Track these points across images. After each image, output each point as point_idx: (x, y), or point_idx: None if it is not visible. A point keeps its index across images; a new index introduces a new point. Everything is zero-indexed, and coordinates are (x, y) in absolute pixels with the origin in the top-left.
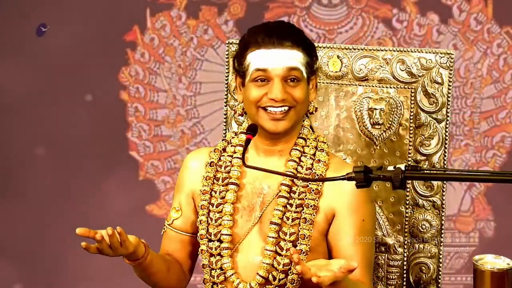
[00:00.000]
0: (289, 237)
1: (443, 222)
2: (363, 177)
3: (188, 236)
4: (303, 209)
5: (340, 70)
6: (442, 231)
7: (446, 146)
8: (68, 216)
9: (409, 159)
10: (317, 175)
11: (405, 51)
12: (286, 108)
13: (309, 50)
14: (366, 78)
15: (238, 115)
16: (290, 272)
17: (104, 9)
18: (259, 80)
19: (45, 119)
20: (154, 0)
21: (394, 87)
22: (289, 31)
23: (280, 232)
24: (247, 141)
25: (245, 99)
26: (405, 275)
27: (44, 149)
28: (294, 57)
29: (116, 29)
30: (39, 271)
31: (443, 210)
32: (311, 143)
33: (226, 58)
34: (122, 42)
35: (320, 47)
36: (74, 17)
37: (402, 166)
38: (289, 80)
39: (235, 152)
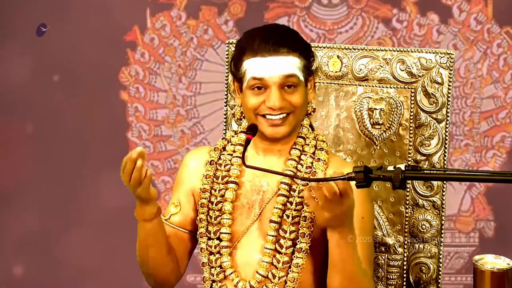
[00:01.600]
0: (289, 235)
1: (443, 222)
2: (363, 177)
3: (184, 232)
4: (303, 207)
5: (340, 70)
6: (442, 231)
7: (446, 146)
8: (67, 215)
9: (409, 159)
10: (317, 173)
11: (405, 51)
12: (285, 114)
13: (306, 52)
14: (366, 78)
15: (237, 119)
16: (290, 271)
17: (104, 9)
18: (256, 88)
19: (45, 120)
20: (154, 0)
21: (394, 87)
22: (285, 37)
23: (280, 230)
24: (247, 141)
25: (243, 105)
26: (405, 275)
27: (44, 149)
28: (290, 63)
29: (116, 29)
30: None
31: (443, 210)
32: (310, 142)
33: (226, 58)
34: (122, 42)
35: (320, 47)
36: (74, 17)
37: (402, 166)
38: (286, 87)
39: (234, 151)
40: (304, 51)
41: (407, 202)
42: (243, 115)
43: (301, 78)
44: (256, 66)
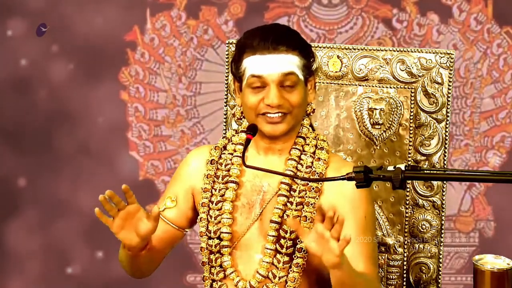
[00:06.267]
0: (290, 235)
1: (443, 222)
2: (363, 177)
3: (175, 228)
4: (303, 207)
5: (340, 70)
6: (442, 231)
7: (446, 146)
8: (68, 215)
9: (409, 159)
10: (317, 173)
11: (405, 51)
12: (282, 114)
13: (306, 52)
14: (366, 78)
15: (237, 119)
16: (291, 270)
17: (104, 9)
18: (255, 87)
19: (45, 121)
20: (154, 0)
21: (394, 87)
22: (284, 35)
23: (280, 230)
24: (247, 141)
25: (243, 104)
26: (405, 275)
27: (45, 149)
28: (289, 62)
29: (116, 29)
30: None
31: (443, 210)
32: (310, 142)
33: (226, 58)
34: (122, 42)
35: (320, 47)
36: (74, 17)
37: (402, 166)
38: (285, 85)
39: (235, 151)
40: (304, 50)
41: (407, 202)
42: (243, 114)
43: (300, 76)
44: (255, 64)
